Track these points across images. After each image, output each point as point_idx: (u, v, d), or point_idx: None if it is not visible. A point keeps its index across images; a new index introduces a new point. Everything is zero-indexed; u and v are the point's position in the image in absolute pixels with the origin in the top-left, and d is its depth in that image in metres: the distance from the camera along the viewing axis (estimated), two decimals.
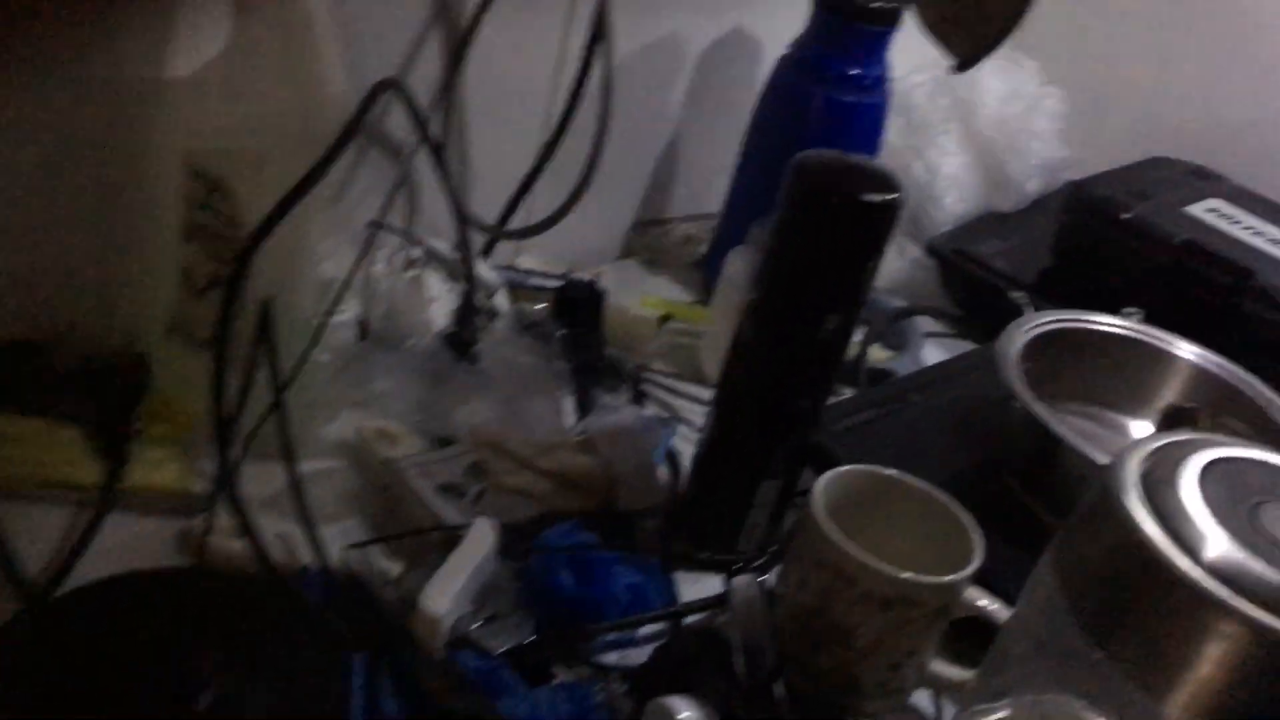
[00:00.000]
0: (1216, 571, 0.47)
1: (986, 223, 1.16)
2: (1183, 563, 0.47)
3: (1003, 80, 1.18)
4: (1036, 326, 0.86)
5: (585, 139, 0.94)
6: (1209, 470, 0.51)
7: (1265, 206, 1.08)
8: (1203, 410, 0.78)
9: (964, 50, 0.74)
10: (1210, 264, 0.98)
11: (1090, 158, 1.22)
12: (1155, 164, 1.15)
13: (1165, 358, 0.87)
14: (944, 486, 0.71)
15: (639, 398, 0.89)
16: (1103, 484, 0.51)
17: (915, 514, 0.71)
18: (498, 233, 0.90)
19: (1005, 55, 1.21)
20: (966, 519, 0.68)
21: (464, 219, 0.86)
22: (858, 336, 1.01)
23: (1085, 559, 0.51)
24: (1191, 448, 0.52)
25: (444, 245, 0.88)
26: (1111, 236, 1.03)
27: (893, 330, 1.06)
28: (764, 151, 0.98)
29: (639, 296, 1.00)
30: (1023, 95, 1.18)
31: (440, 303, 0.86)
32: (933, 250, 1.11)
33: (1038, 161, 1.17)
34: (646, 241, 1.09)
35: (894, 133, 1.16)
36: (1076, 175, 1.15)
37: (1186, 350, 0.87)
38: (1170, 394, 0.86)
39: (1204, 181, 1.11)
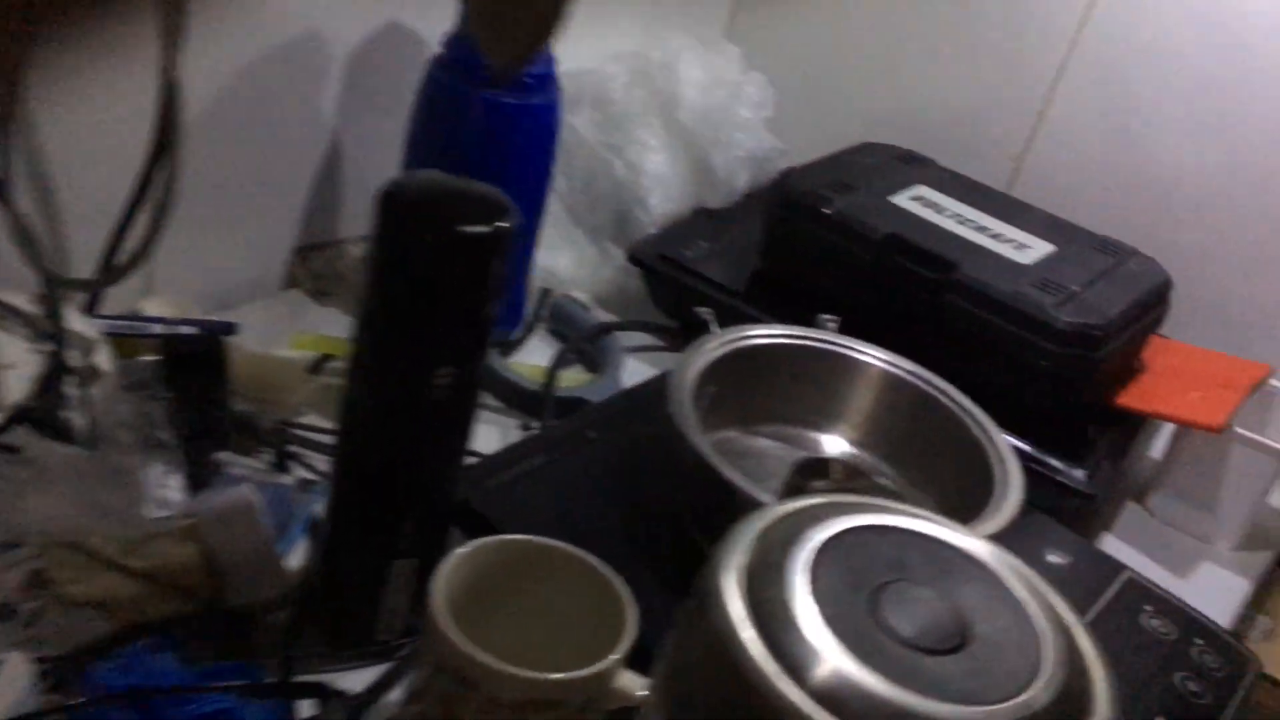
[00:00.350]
0: (825, 696, 0.38)
1: (696, 223, 1.09)
2: (786, 689, 0.38)
3: (703, 68, 1.10)
4: (722, 346, 0.78)
5: (211, 161, 0.81)
6: (828, 548, 0.43)
7: (971, 190, 1.04)
8: (837, 461, 0.71)
9: (504, 55, 0.64)
10: (914, 258, 0.92)
11: (803, 147, 1.17)
12: (864, 150, 1.09)
13: (857, 369, 0.80)
14: (619, 545, 0.62)
15: (282, 461, 0.77)
16: (701, 581, 0.42)
17: (572, 587, 0.61)
18: (62, 282, 0.75)
19: (705, 40, 1.13)
20: (623, 591, 0.59)
21: (41, 267, 0.72)
22: (548, 359, 0.92)
23: (686, 674, 0.42)
24: (810, 520, 0.44)
25: (24, 299, 0.73)
26: (815, 234, 0.96)
27: (593, 350, 0.97)
28: (425, 164, 0.87)
29: (294, 334, 0.88)
30: (724, 83, 1.11)
31: (19, 369, 0.71)
32: (635, 258, 1.02)
33: (744, 153, 1.09)
34: (313, 269, 0.96)
35: (591, 129, 1.07)
36: (792, 165, 1.08)
37: (878, 359, 0.80)
38: (863, 406, 0.80)
39: (911, 167, 1.06)
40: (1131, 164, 1.11)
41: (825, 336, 0.81)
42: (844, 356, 0.80)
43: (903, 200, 0.99)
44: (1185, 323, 1.06)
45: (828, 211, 0.95)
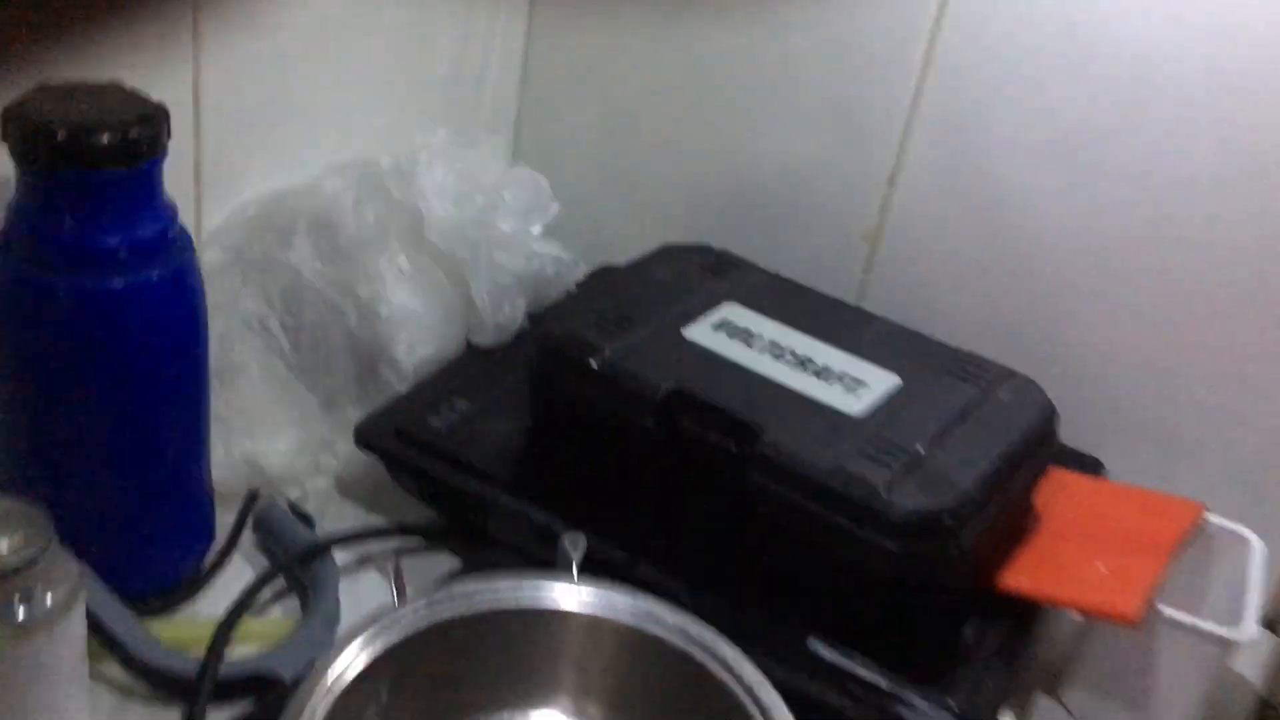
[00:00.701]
0: None
1: (459, 373, 0.84)
2: None
3: (451, 171, 0.86)
4: (387, 629, 0.54)
5: None
6: None
7: (794, 303, 0.80)
8: None
9: None
10: (705, 421, 0.69)
11: (600, 251, 0.94)
12: (661, 259, 0.85)
13: (579, 627, 0.57)
14: None
15: None
16: None
17: None
18: None
19: (456, 134, 0.90)
20: None
21: None
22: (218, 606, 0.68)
23: None
24: None
25: None
26: (582, 393, 0.73)
27: (305, 578, 0.73)
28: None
29: None
30: (482, 187, 0.87)
31: None
32: (363, 437, 0.78)
33: (513, 275, 0.86)
34: None
35: (313, 266, 0.83)
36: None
37: (622, 609, 0.57)
38: (592, 671, 0.57)
39: (718, 278, 0.82)
40: (998, 227, 0.87)
41: (538, 588, 0.57)
42: (562, 616, 0.56)
43: (701, 332, 0.75)
44: (1089, 444, 0.83)
45: (594, 364, 0.72)
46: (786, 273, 0.86)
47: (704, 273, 0.82)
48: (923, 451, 0.66)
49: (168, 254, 0.63)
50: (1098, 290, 0.85)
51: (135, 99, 0.61)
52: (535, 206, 0.88)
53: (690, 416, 0.69)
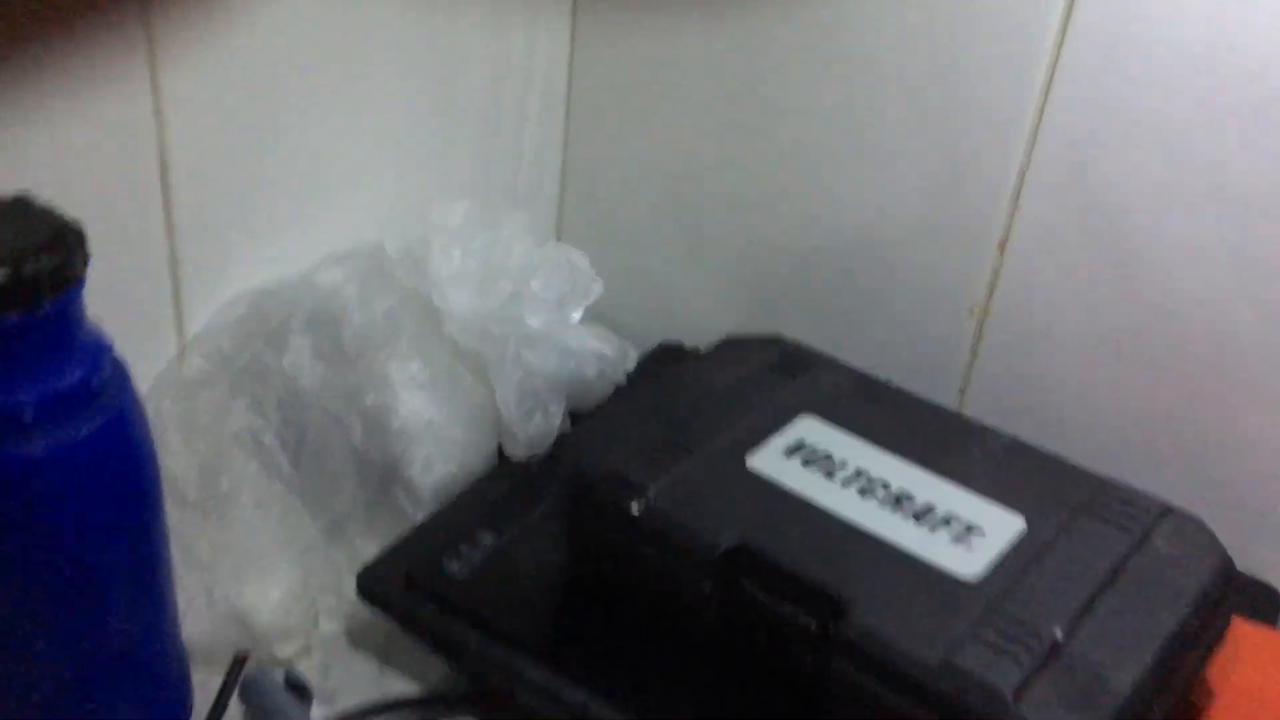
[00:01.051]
0: None
1: (485, 497, 0.71)
2: None
3: (471, 254, 0.73)
4: None
5: None
6: None
7: (877, 406, 0.65)
8: None
9: None
10: (776, 589, 0.54)
11: (655, 333, 0.80)
12: (722, 355, 0.71)
13: None
14: None
15: None
16: None
17: None
18: None
19: (480, 207, 0.76)
20: None
21: None
22: None
23: None
24: None
25: None
26: (623, 546, 0.59)
27: None
28: None
29: None
30: (508, 270, 0.73)
31: None
32: (366, 588, 0.65)
33: (547, 374, 0.72)
34: None
35: (312, 371, 0.71)
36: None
37: None
38: None
39: (793, 380, 0.67)
40: (1138, 302, 0.70)
41: None
42: None
43: (770, 459, 0.61)
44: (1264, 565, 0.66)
45: (635, 509, 0.57)
46: (873, 363, 0.71)
47: (773, 374, 0.67)
48: (1061, 637, 0.50)
49: (94, 405, 0.50)
50: (1269, 384, 0.68)
51: (40, 218, 0.48)
52: (573, 291, 0.74)
53: (757, 580, 0.55)
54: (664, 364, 0.82)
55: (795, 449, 0.61)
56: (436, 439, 0.71)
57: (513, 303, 0.71)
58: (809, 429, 0.63)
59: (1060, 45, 0.68)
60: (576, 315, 0.75)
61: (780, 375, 0.67)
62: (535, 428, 0.70)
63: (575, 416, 0.76)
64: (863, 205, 0.78)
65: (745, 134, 0.81)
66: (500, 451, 0.74)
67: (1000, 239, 0.74)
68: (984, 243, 0.74)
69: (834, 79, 0.75)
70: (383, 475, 0.71)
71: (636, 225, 0.87)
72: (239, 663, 0.65)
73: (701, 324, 0.86)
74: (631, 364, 0.78)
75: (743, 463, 0.60)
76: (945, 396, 0.79)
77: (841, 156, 0.77)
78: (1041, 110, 0.70)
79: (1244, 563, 0.62)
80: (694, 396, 0.65)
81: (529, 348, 0.70)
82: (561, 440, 0.72)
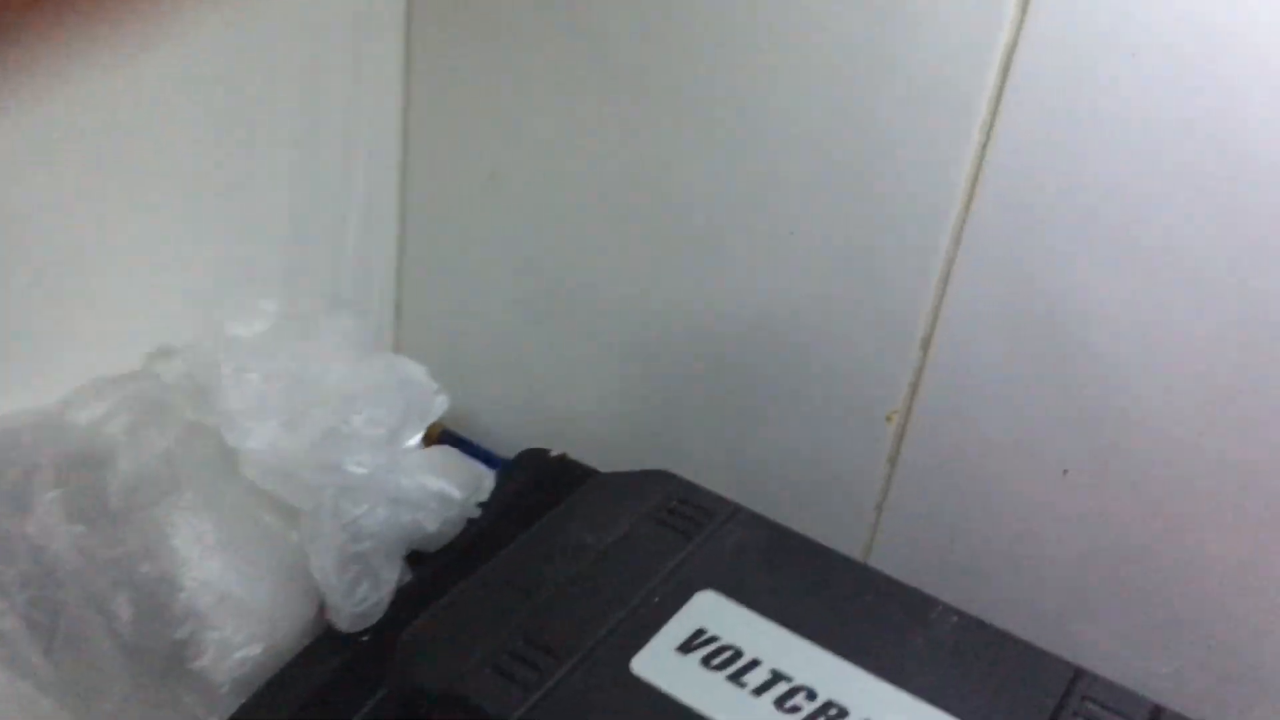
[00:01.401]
0: None
1: (301, 680, 0.56)
2: None
3: (274, 370, 0.57)
4: None
5: None
6: None
7: (790, 570, 0.52)
8: None
9: None
10: None
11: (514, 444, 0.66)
12: (600, 499, 0.57)
13: None
14: None
15: None
16: None
17: None
18: None
19: (292, 309, 0.61)
20: None
21: None
22: None
23: None
24: None
25: None
26: None
27: None
28: None
29: None
30: (328, 392, 0.58)
31: None
32: None
33: (374, 529, 0.57)
34: None
35: (78, 532, 0.55)
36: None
37: None
38: None
39: (682, 540, 0.53)
40: (1090, 418, 0.59)
41: None
42: None
43: (662, 660, 0.47)
44: None
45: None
46: (774, 475, 0.59)
47: (660, 529, 0.54)
48: None
49: None
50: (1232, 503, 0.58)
51: None
52: (409, 413, 0.59)
53: None
54: (529, 479, 0.68)
55: (693, 643, 0.48)
56: (235, 616, 0.56)
57: (330, 440, 0.56)
58: (709, 611, 0.50)
59: (995, 112, 0.56)
60: (414, 440, 0.61)
61: (669, 532, 0.54)
62: (362, 601, 0.56)
63: (418, 558, 0.61)
64: (762, 294, 0.65)
65: (625, 211, 0.67)
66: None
67: (924, 335, 0.62)
68: (905, 338, 0.62)
69: (731, 146, 0.62)
70: (164, 668, 0.55)
71: (494, 320, 0.72)
72: None
73: (576, 426, 0.73)
74: (486, 494, 0.63)
75: (626, 668, 0.47)
76: (859, 515, 0.67)
77: (738, 237, 0.64)
78: (974, 185, 0.58)
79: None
80: (562, 572, 0.51)
81: (351, 499, 0.55)
82: (396, 619, 0.57)
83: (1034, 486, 0.62)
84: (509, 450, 0.72)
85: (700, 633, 0.49)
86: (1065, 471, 0.61)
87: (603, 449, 0.71)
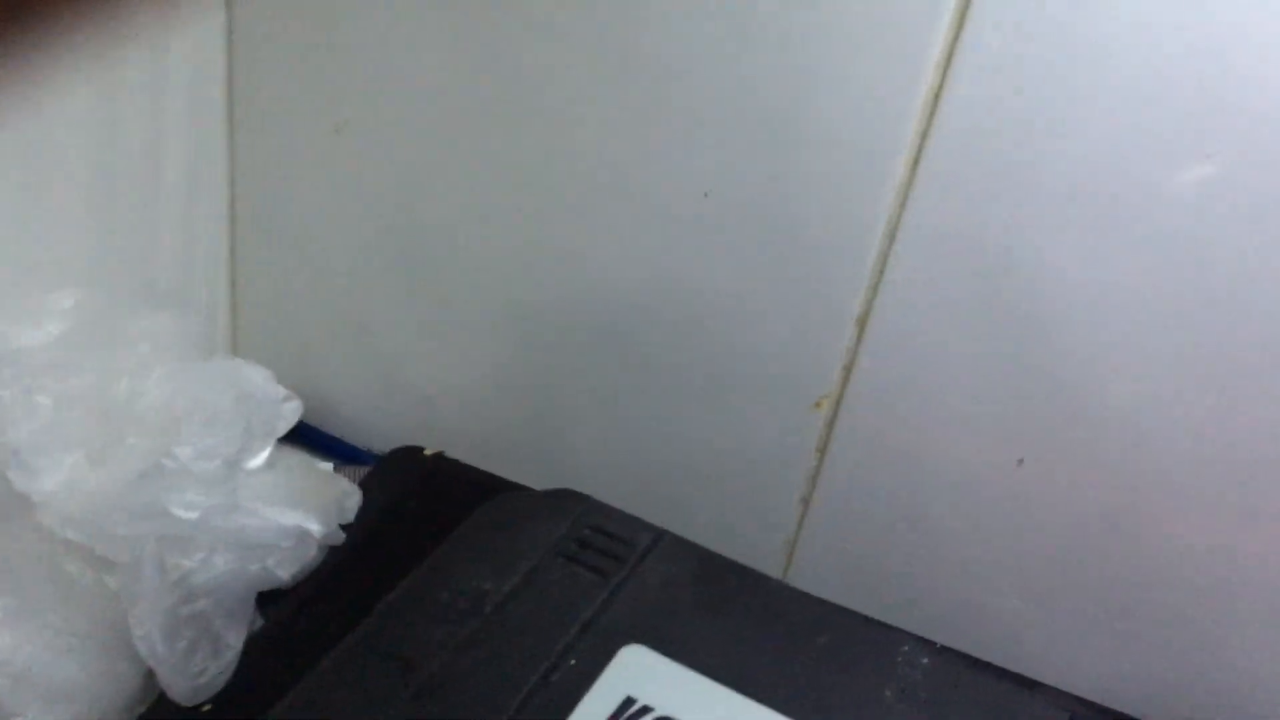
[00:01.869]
0: None
1: None
2: None
3: (67, 393, 0.45)
4: None
5: None
6: None
7: (738, 617, 0.44)
8: None
9: None
10: None
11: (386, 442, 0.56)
12: (494, 527, 0.47)
13: None
14: None
15: None
16: None
17: None
18: None
19: (101, 301, 0.49)
20: None
21: None
22: None
23: None
24: None
25: None
26: None
27: None
28: None
29: None
30: (137, 411, 0.47)
31: None
32: None
33: (210, 584, 0.46)
34: None
35: None
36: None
37: None
38: None
39: (599, 579, 0.44)
40: (1046, 394, 0.52)
41: None
42: None
43: None
44: None
45: None
46: (688, 470, 0.50)
47: (571, 567, 0.45)
48: None
49: None
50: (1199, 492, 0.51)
51: None
52: (252, 428, 0.48)
53: None
54: (401, 486, 0.58)
55: (621, 718, 0.39)
56: (40, 699, 0.44)
57: (149, 477, 0.44)
58: (637, 672, 0.41)
59: (950, 53, 0.47)
60: (259, 460, 0.50)
61: (583, 571, 0.44)
62: (200, 673, 0.45)
63: (272, 594, 0.51)
64: (669, 261, 0.55)
65: (500, 163, 0.56)
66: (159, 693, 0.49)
67: (860, 312, 0.53)
68: (837, 314, 0.54)
69: (630, 86, 0.52)
70: None
71: (349, 297, 0.61)
72: None
73: (449, 413, 0.63)
74: (351, 514, 0.53)
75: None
76: (781, 512, 0.59)
77: (640, 197, 0.54)
78: (923, 140, 0.49)
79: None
80: (452, 634, 0.41)
81: (179, 549, 0.44)
82: (247, 679, 0.47)
83: (984, 479, 0.54)
84: (375, 442, 0.62)
85: (629, 703, 0.40)
86: (1020, 461, 0.53)
87: (481, 439, 0.62)
